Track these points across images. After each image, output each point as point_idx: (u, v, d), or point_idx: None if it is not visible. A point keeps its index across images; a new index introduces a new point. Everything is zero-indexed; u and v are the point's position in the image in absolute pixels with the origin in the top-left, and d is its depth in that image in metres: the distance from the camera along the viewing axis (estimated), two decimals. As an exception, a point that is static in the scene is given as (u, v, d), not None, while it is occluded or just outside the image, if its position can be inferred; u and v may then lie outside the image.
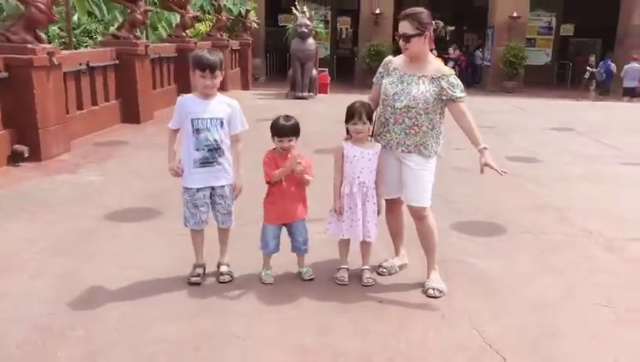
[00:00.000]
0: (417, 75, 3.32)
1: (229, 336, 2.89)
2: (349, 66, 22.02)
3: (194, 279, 3.45)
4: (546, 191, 5.76)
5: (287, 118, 3.43)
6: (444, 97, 3.29)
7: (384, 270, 3.66)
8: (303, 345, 2.84)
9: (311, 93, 12.93)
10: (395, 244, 3.78)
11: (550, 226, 4.69)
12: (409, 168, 3.39)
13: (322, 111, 10.19)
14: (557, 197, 5.51)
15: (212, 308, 3.17)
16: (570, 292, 3.51)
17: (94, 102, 7.96)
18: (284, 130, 3.39)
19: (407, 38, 3.26)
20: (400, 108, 3.31)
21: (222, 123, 3.33)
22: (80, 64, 7.51)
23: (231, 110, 3.38)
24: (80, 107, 7.56)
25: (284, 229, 3.55)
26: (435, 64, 3.40)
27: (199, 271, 3.50)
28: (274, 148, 3.47)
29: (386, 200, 3.57)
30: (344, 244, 3.58)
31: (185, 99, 3.38)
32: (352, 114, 3.34)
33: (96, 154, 6.70)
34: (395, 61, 3.48)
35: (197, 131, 3.28)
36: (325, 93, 14.78)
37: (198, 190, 3.37)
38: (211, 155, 3.32)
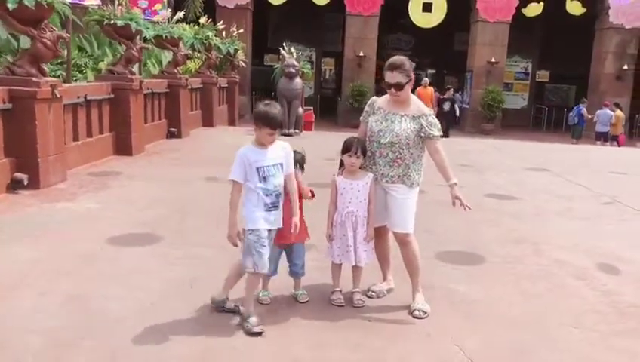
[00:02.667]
0: (400, 113, 3.72)
1: (230, 350, 3.13)
2: (333, 105, 22.58)
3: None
4: (521, 225, 6.12)
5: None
6: (422, 134, 3.68)
7: (373, 293, 3.93)
8: (298, 358, 3.08)
9: (297, 130, 13.31)
10: (383, 270, 4.07)
11: (525, 257, 5.03)
12: (394, 197, 3.73)
13: (308, 148, 10.52)
14: (532, 231, 5.87)
15: (213, 326, 3.39)
16: (542, 314, 3.82)
17: (89, 134, 8.22)
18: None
19: (400, 86, 3.66)
20: (384, 144, 3.68)
21: (282, 166, 3.43)
22: (78, 97, 7.79)
23: (284, 153, 3.46)
24: (76, 138, 7.81)
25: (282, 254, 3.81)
26: (416, 104, 3.80)
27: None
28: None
29: (375, 228, 3.87)
30: (336, 269, 3.86)
31: (246, 150, 3.41)
32: (349, 146, 3.69)
33: (92, 184, 6.92)
34: (379, 101, 3.88)
35: (264, 179, 3.37)
36: (310, 130, 15.19)
37: (265, 231, 3.39)
38: (277, 200, 3.41)
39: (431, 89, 17.57)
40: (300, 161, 3.71)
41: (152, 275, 4.14)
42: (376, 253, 3.98)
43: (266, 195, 3.38)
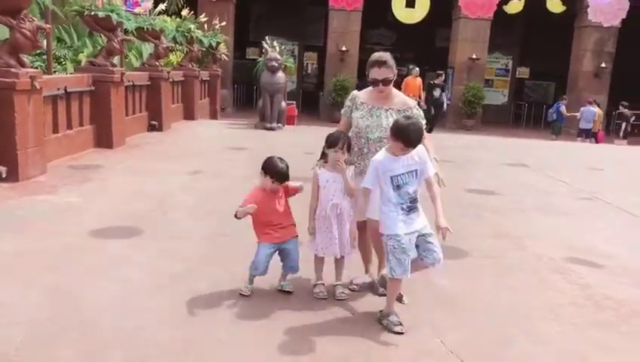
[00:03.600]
0: (385, 108, 3.77)
1: (214, 341, 3.15)
2: (315, 100, 22.59)
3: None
4: (502, 220, 6.23)
5: (282, 160, 3.73)
6: None
7: (355, 286, 3.98)
8: (284, 348, 3.12)
9: (279, 125, 13.30)
10: (365, 263, 4.12)
11: (506, 251, 5.13)
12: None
13: (291, 142, 10.54)
14: (512, 226, 5.97)
15: (195, 318, 3.42)
16: (522, 307, 3.91)
17: (70, 126, 8.13)
18: (283, 174, 3.68)
19: (388, 82, 3.73)
20: (373, 139, 3.73)
21: (416, 173, 3.42)
22: (58, 89, 7.70)
23: (419, 160, 3.44)
24: (56, 130, 7.72)
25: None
26: (399, 97, 3.85)
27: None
28: (260, 188, 3.73)
29: (357, 222, 3.91)
30: (319, 262, 3.90)
31: (382, 158, 3.42)
32: (335, 141, 3.69)
33: (72, 177, 6.86)
34: (361, 95, 3.91)
35: (398, 188, 3.37)
36: (292, 124, 15.20)
37: (405, 234, 3.38)
38: (414, 204, 3.42)
39: (420, 79, 16.90)
40: (285, 175, 3.73)
41: (133, 267, 4.14)
42: (359, 246, 4.03)
43: (400, 203, 3.38)
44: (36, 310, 3.37)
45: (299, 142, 9.72)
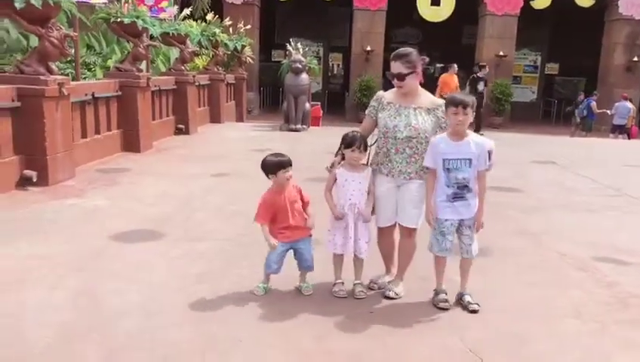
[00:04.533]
0: (412, 106, 3.71)
1: (234, 341, 3.20)
2: (340, 100, 22.61)
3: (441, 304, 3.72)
4: (524, 218, 6.16)
5: (277, 154, 3.83)
6: (443, 125, 3.68)
7: (375, 284, 3.99)
8: (301, 348, 3.15)
9: (304, 126, 13.37)
10: (387, 264, 4.10)
11: (527, 249, 5.07)
12: (409, 193, 3.73)
13: (315, 143, 10.60)
14: (535, 224, 5.90)
15: (216, 319, 3.47)
16: (543, 305, 3.87)
17: (97, 131, 8.33)
18: (284, 162, 3.75)
19: (402, 77, 3.68)
20: (401, 139, 3.67)
21: (470, 162, 3.55)
22: (86, 94, 7.90)
23: (478, 150, 3.56)
24: (84, 135, 7.92)
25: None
26: (426, 96, 3.82)
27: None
28: (271, 189, 3.81)
29: (382, 227, 3.89)
30: (338, 260, 3.92)
31: (439, 140, 3.59)
32: (352, 141, 3.71)
33: (100, 181, 7.03)
34: (387, 95, 3.86)
35: (448, 171, 3.55)
36: (317, 125, 15.24)
37: (447, 220, 3.63)
38: (461, 191, 3.58)
39: (456, 77, 15.57)
40: (288, 161, 3.78)
41: (158, 269, 4.23)
42: (382, 250, 4.02)
43: (447, 186, 3.56)
44: (63, 311, 3.47)
45: (322, 143, 9.74)
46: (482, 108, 15.96)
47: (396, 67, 3.68)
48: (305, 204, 3.85)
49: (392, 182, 3.76)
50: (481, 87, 15.44)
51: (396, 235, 3.96)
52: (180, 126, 11.48)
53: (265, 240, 3.73)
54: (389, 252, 4.03)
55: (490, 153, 3.60)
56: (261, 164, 3.79)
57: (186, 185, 7.01)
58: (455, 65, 15.46)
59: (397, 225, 3.89)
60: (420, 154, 3.67)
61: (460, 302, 3.75)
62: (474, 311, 3.65)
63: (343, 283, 3.90)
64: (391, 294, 3.80)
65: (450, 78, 15.21)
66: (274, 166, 3.74)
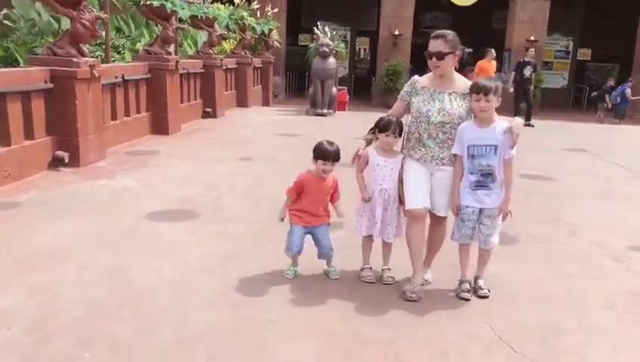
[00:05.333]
0: (447, 91, 3.63)
1: (265, 321, 3.22)
2: (367, 85, 22.45)
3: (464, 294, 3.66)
4: (556, 206, 6.05)
5: (331, 143, 3.76)
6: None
7: (412, 295, 3.60)
8: (332, 331, 3.16)
9: (330, 110, 13.32)
10: (414, 260, 3.75)
11: (559, 238, 5.00)
12: (442, 179, 3.66)
13: (341, 128, 10.55)
14: (567, 213, 5.80)
15: (247, 299, 3.51)
16: (576, 295, 3.81)
17: (127, 113, 8.41)
18: (329, 154, 3.70)
19: (442, 55, 3.56)
20: (435, 124, 3.58)
21: (495, 149, 3.52)
22: (116, 77, 7.97)
23: (504, 136, 3.51)
24: (114, 117, 8.01)
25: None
26: (460, 80, 3.72)
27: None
28: (310, 171, 3.80)
29: (412, 211, 3.69)
30: (367, 244, 3.91)
31: (465, 125, 3.57)
32: (387, 125, 3.68)
33: (129, 162, 7.12)
34: (421, 80, 3.76)
35: (472, 157, 3.54)
36: (344, 110, 15.17)
37: (468, 207, 3.62)
38: (485, 180, 3.56)
39: (495, 62, 14.85)
40: (333, 154, 3.71)
41: (186, 249, 4.28)
42: (412, 239, 3.71)
43: (471, 173, 3.56)
44: (93, 289, 3.53)
45: (349, 128, 9.71)
46: (532, 95, 14.93)
47: (436, 45, 3.59)
48: (334, 199, 3.87)
49: (423, 168, 3.69)
50: (527, 72, 14.18)
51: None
52: (208, 109, 11.53)
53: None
54: (418, 244, 3.73)
55: (511, 131, 3.47)
56: (315, 147, 3.77)
57: (213, 168, 7.05)
58: (492, 51, 14.52)
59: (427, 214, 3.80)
60: (454, 140, 3.62)
61: (473, 286, 3.74)
62: (483, 297, 3.65)
63: (370, 268, 3.90)
64: (411, 296, 3.65)
65: (489, 64, 14.32)
66: (317, 153, 3.74)
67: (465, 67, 18.25)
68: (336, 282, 3.82)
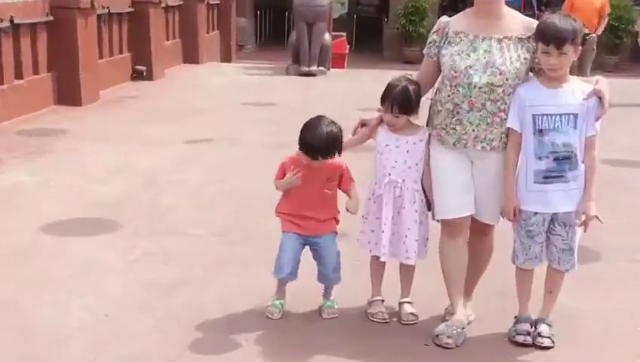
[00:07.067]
0: (496, 36, 3.53)
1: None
2: (376, 30, 22.42)
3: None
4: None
5: (330, 123, 3.69)
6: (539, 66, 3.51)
7: (449, 339, 3.57)
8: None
9: (321, 68, 13.29)
10: (451, 291, 3.78)
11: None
12: (489, 171, 3.61)
13: (339, 94, 10.51)
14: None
15: (200, 353, 3.47)
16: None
17: (19, 75, 8.37)
18: (315, 148, 3.62)
19: None
20: (479, 87, 3.50)
21: (575, 119, 3.45)
22: (1, 20, 7.89)
23: (585, 102, 3.46)
24: (-1, 81, 7.98)
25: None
26: (518, 17, 3.64)
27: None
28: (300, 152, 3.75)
29: (446, 221, 3.73)
30: (377, 266, 3.89)
31: (526, 87, 3.51)
32: (386, 94, 3.66)
33: (24, 147, 7.10)
34: (453, 22, 3.67)
35: (540, 133, 3.45)
36: (342, 67, 15.14)
37: (535, 214, 3.53)
38: (561, 167, 3.47)
39: None
40: (322, 147, 3.66)
41: (109, 277, 4.26)
42: (447, 263, 3.74)
43: (538, 158, 3.44)
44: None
45: (351, 95, 9.68)
46: None
47: None
48: (345, 185, 3.80)
49: (461, 156, 3.64)
50: None
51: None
52: (140, 67, 11.50)
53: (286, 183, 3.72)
54: (456, 266, 3.72)
55: (599, 94, 3.45)
56: (302, 128, 3.71)
57: (150, 155, 7.04)
58: None
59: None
60: (508, 111, 3.53)
61: (533, 330, 3.64)
62: (544, 348, 3.57)
63: (382, 300, 3.89)
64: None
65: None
66: (303, 142, 3.67)
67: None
68: (332, 323, 3.79)
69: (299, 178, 3.66)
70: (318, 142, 3.60)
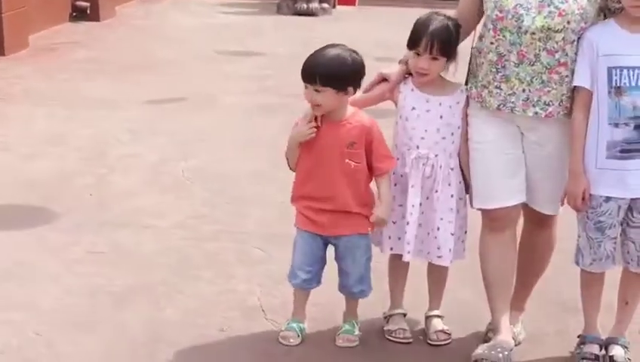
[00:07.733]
0: None
1: None
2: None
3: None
4: None
5: (333, 47, 3.72)
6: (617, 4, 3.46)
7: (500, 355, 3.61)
8: None
9: (324, 5, 13.37)
10: (493, 299, 3.82)
11: None
12: (547, 147, 3.62)
13: (346, 39, 10.42)
14: None
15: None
16: None
17: None
18: (313, 65, 3.60)
19: None
20: (532, 34, 3.48)
21: None
22: None
23: None
24: None
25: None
26: None
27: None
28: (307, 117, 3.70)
29: (488, 211, 3.75)
30: (397, 269, 3.89)
31: (599, 30, 3.47)
32: (418, 34, 3.60)
33: None
34: None
35: (618, 91, 3.41)
36: (352, 4, 15.15)
37: (607, 199, 3.49)
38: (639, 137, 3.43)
39: None
40: (313, 68, 3.61)
41: (42, 283, 4.26)
42: (489, 265, 3.78)
43: (614, 125, 3.39)
44: None
45: (363, 41, 9.65)
46: None
47: None
48: (377, 157, 3.68)
49: (508, 124, 3.65)
50: None
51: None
52: (82, 4, 11.51)
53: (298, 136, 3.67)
54: (502, 270, 3.77)
55: None
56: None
57: (95, 122, 7.06)
58: None
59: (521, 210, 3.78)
60: (570, 65, 3.50)
61: (604, 352, 3.64)
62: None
63: (404, 314, 3.90)
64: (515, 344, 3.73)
65: None
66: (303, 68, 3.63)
67: None
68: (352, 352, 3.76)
69: (312, 129, 3.58)
70: (321, 58, 3.58)
